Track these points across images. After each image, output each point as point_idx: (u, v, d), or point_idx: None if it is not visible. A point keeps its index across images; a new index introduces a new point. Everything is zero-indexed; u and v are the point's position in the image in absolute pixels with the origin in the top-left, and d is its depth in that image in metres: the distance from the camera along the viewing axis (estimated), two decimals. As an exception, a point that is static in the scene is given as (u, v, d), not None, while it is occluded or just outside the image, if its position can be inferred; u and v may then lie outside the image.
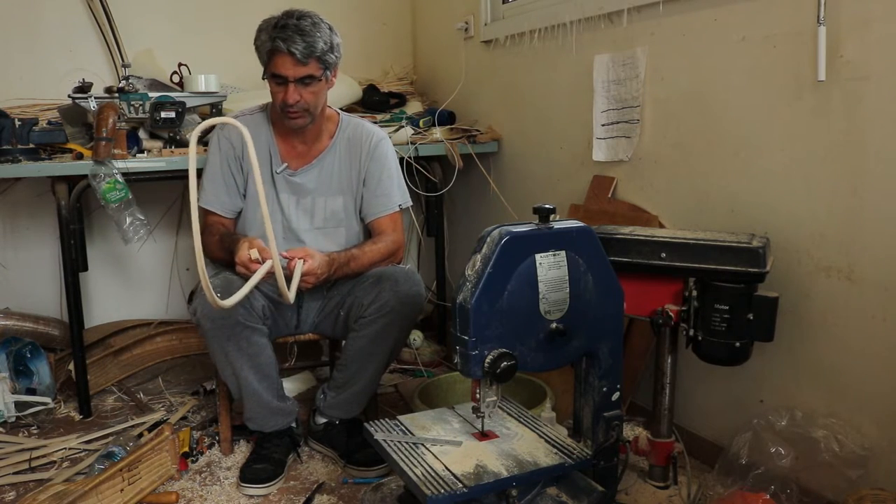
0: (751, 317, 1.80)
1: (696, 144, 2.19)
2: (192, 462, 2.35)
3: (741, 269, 1.78)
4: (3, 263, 3.18)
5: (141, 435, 2.51)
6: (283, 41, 2.11)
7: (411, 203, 2.44)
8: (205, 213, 2.33)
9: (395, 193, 2.37)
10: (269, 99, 2.28)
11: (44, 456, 2.40)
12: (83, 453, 2.44)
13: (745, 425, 1.90)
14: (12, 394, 2.71)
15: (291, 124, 2.23)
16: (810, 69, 1.82)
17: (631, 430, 2.28)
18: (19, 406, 2.71)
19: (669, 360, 1.97)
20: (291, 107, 2.17)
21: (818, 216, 1.86)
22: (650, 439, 2.02)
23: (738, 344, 1.82)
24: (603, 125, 2.52)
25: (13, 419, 2.68)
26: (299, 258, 2.07)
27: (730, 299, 1.80)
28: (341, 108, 3.09)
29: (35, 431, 2.64)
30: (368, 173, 2.34)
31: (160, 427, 2.15)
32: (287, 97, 2.16)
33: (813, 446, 1.80)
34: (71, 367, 2.79)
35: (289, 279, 1.99)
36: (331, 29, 2.19)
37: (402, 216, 2.41)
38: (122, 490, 1.99)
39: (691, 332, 1.87)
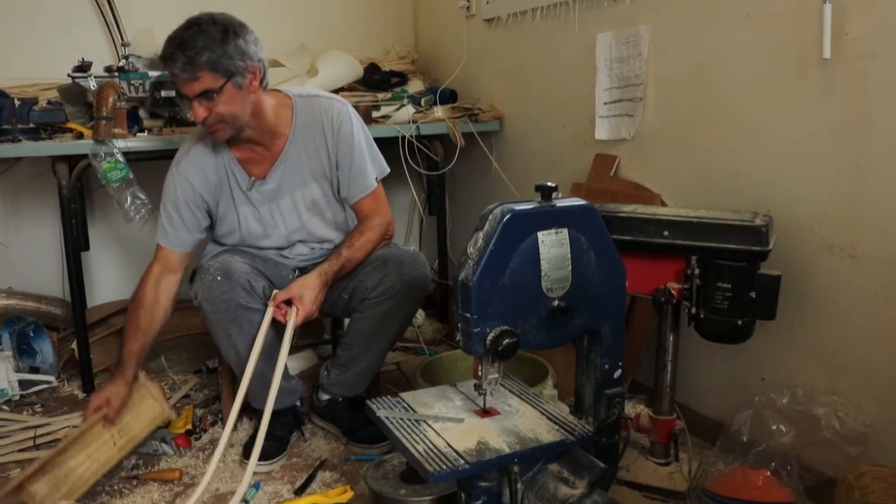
0: (753, 295, 1.80)
1: (700, 123, 2.18)
2: (196, 440, 2.37)
3: (744, 248, 1.78)
4: (4, 243, 3.18)
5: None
6: (164, 61, 2.01)
7: (388, 170, 2.34)
8: (158, 249, 2.24)
9: (370, 170, 2.25)
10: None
11: (48, 433, 2.42)
12: (87, 431, 2.45)
13: (747, 403, 1.91)
14: (16, 372, 2.72)
15: (214, 139, 2.12)
16: (815, 47, 1.81)
17: (632, 408, 2.29)
18: (23, 384, 2.73)
19: (671, 338, 1.97)
20: (204, 123, 2.06)
21: (821, 194, 1.86)
22: (651, 417, 2.03)
23: (739, 322, 1.82)
24: (605, 103, 2.51)
25: (17, 397, 2.70)
26: (284, 304, 2.06)
27: (732, 277, 1.80)
28: (342, 88, 3.09)
29: (39, 409, 2.65)
30: (339, 157, 2.22)
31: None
32: (195, 115, 2.04)
33: (814, 423, 1.80)
34: (74, 346, 2.80)
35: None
36: (227, 31, 2.01)
37: (383, 189, 2.30)
38: (115, 443, 2.03)
39: (693, 311, 1.87)
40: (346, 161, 2.22)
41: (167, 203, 2.21)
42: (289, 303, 2.07)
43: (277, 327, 2.12)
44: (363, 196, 2.26)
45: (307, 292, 2.06)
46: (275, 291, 2.12)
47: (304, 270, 2.32)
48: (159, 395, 2.14)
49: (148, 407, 2.12)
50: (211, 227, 2.32)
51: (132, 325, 2.16)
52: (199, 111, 2.02)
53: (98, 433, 2.04)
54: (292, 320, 2.04)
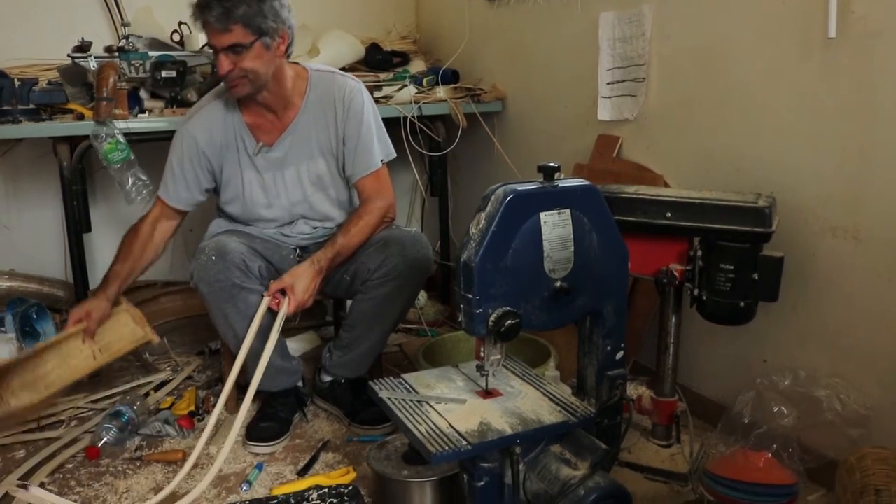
0: (756, 276, 1.79)
1: (703, 103, 2.17)
2: (199, 421, 2.37)
3: (746, 229, 1.77)
4: (6, 225, 3.18)
5: (147, 394, 2.53)
6: (199, 9, 2.03)
7: (395, 154, 2.35)
8: (157, 201, 2.30)
9: (377, 149, 2.27)
10: None
11: (52, 415, 2.43)
12: (90, 412, 2.46)
13: (749, 385, 1.91)
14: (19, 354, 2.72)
15: (233, 93, 2.14)
16: (821, 26, 1.79)
17: (634, 390, 2.28)
18: (26, 366, 2.72)
19: (673, 320, 1.97)
20: (227, 76, 2.09)
21: (825, 175, 1.85)
22: (653, 398, 2.03)
23: (742, 304, 1.82)
24: (608, 84, 2.49)
25: (20, 379, 2.70)
26: (279, 294, 2.08)
27: (735, 259, 1.79)
28: (343, 68, 3.07)
29: (42, 391, 2.66)
30: (347, 132, 2.24)
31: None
32: (220, 67, 2.07)
33: (815, 406, 1.80)
34: (77, 327, 2.80)
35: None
36: None
37: (387, 171, 2.31)
38: (94, 357, 2.08)
39: (696, 292, 1.87)
40: (353, 137, 2.23)
41: (172, 158, 2.26)
42: (284, 292, 2.07)
43: (274, 313, 2.12)
44: (366, 174, 2.25)
45: (299, 282, 2.07)
46: (270, 282, 2.13)
47: (305, 250, 2.32)
48: (141, 318, 2.17)
49: (130, 329, 2.14)
50: (216, 193, 2.33)
51: (123, 251, 2.23)
52: (224, 63, 2.06)
53: (77, 346, 2.07)
54: (283, 310, 2.05)
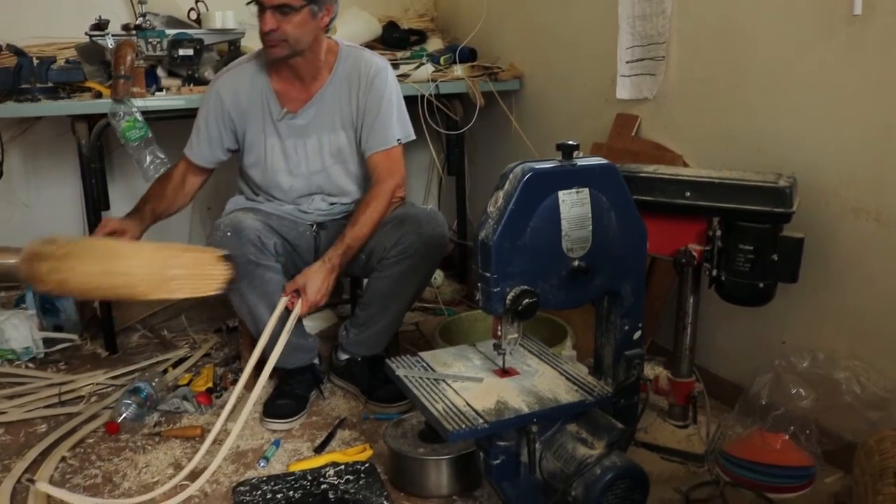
0: (775, 257, 1.77)
1: (724, 82, 2.14)
2: (217, 398, 2.39)
3: (767, 209, 1.75)
4: (26, 203, 3.20)
5: (166, 371, 2.56)
6: None
7: (413, 137, 2.35)
8: (182, 158, 2.35)
9: (394, 127, 2.27)
10: None
11: (73, 391, 2.45)
12: (110, 388, 2.48)
13: (766, 366, 1.90)
14: (40, 331, 2.75)
15: (269, 53, 2.15)
16: (846, 2, 1.76)
17: (651, 370, 2.29)
18: (47, 342, 2.76)
19: (691, 300, 1.96)
20: (267, 35, 2.10)
21: (848, 156, 1.82)
22: (670, 379, 2.02)
23: (761, 285, 1.80)
24: (627, 62, 2.46)
25: (42, 355, 2.73)
26: (294, 294, 2.09)
27: (754, 239, 1.78)
28: (361, 46, 3.06)
29: (63, 367, 2.69)
30: (367, 106, 2.25)
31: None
32: (263, 24, 2.09)
33: (834, 388, 1.79)
34: (96, 304, 2.83)
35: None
36: None
37: (401, 152, 2.31)
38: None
39: (714, 272, 1.86)
40: (372, 111, 2.25)
41: (199, 116, 2.31)
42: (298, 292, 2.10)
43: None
44: (379, 150, 2.26)
45: (311, 283, 2.08)
46: (285, 284, 2.15)
47: (321, 226, 2.33)
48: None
49: (212, 272, 2.05)
50: (239, 155, 2.35)
51: (156, 192, 2.31)
52: (269, 21, 2.08)
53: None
54: (295, 311, 2.07)
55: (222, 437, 2.07)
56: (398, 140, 2.28)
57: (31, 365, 2.69)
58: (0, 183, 3.00)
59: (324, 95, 2.26)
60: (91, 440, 2.16)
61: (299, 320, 2.16)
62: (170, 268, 1.87)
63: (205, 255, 1.95)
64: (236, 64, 2.34)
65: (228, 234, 2.10)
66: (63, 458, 2.05)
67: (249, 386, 2.39)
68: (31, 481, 1.81)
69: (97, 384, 2.51)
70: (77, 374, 2.60)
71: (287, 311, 2.10)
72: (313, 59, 2.22)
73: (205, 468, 1.87)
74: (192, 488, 1.84)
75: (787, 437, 1.78)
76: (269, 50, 2.14)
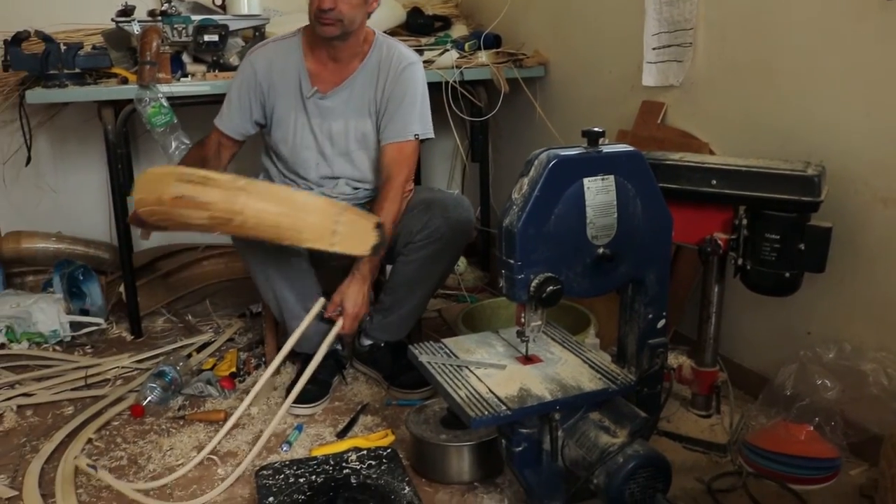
0: (802, 247, 1.75)
1: (752, 69, 2.11)
2: (240, 382, 2.41)
3: (794, 198, 1.73)
4: (54, 188, 3.24)
5: (190, 355, 2.58)
6: None
7: (432, 136, 2.33)
8: (213, 129, 2.36)
9: (414, 122, 2.26)
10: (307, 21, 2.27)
11: (98, 374, 2.48)
12: (135, 372, 2.51)
13: (792, 357, 1.88)
14: (67, 314, 2.79)
15: (322, 31, 2.16)
16: (878, -13, 1.73)
17: (675, 359, 2.27)
18: (74, 326, 2.79)
19: (716, 290, 1.94)
20: (325, 12, 2.11)
21: (879, 144, 1.79)
22: (694, 368, 2.01)
23: (787, 274, 1.78)
24: (654, 49, 2.44)
25: (69, 339, 2.77)
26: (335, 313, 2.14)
27: (781, 228, 1.76)
28: (384, 33, 3.05)
29: (89, 351, 2.72)
30: (391, 95, 2.26)
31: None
32: (321, 2, 2.10)
33: (861, 379, 1.77)
34: (121, 289, 2.86)
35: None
36: None
37: (417, 148, 2.29)
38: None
39: (740, 262, 1.84)
40: (395, 100, 2.26)
41: (231, 87, 2.33)
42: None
43: (320, 273, 2.19)
44: (393, 141, 2.26)
45: (348, 300, 2.13)
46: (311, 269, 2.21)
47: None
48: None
49: (367, 237, 2.06)
50: (265, 131, 2.37)
51: (195, 158, 2.34)
52: (327, 0, 2.10)
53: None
54: (337, 326, 2.13)
55: (244, 420, 2.10)
56: (416, 135, 2.27)
57: (58, 348, 2.73)
58: (28, 168, 3.05)
59: (354, 81, 2.27)
60: (116, 423, 2.19)
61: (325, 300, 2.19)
62: (336, 223, 1.91)
63: (363, 219, 1.98)
64: (272, 40, 2.37)
65: None
66: (89, 440, 2.08)
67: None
68: (94, 468, 1.83)
69: (122, 367, 2.54)
70: (103, 357, 2.63)
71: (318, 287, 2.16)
72: (354, 43, 2.24)
73: (228, 452, 1.88)
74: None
75: (811, 428, 1.76)
76: (324, 28, 2.16)
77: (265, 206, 1.87)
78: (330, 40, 2.19)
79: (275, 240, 1.93)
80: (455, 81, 2.88)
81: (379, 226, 1.95)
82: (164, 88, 2.55)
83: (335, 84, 2.27)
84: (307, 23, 2.28)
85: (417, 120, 2.27)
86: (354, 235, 1.94)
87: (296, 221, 1.90)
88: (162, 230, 2.05)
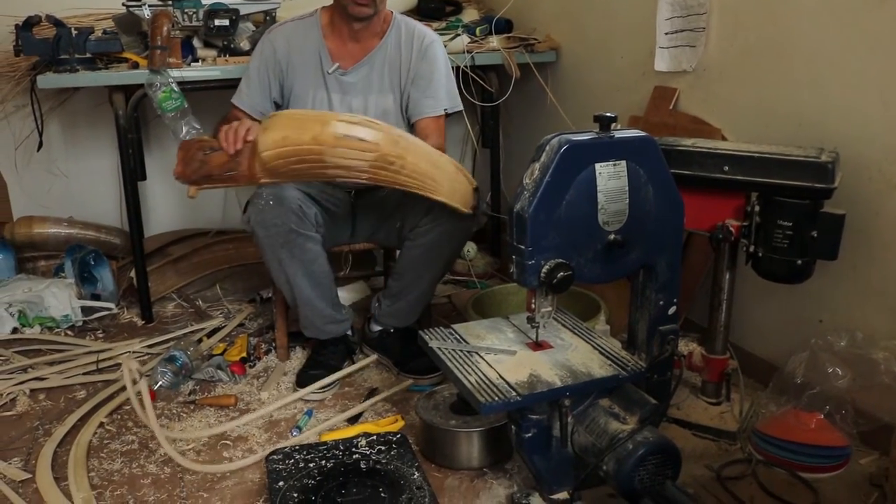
0: (815, 234, 1.74)
1: (765, 54, 2.09)
2: (250, 367, 2.42)
3: (807, 185, 1.71)
4: (65, 173, 3.25)
5: (200, 340, 2.59)
6: None
7: (461, 108, 2.40)
8: (232, 108, 2.36)
9: (443, 97, 2.34)
10: (321, 4, 2.28)
11: (110, 358, 2.50)
12: (146, 356, 2.53)
13: (802, 345, 1.87)
14: (79, 299, 2.80)
15: (358, 11, 2.21)
16: (894, -29, 1.71)
17: (685, 346, 2.27)
18: (85, 311, 2.81)
19: (727, 277, 1.93)
20: None
21: (894, 131, 1.77)
22: (704, 355, 2.00)
23: (799, 261, 1.77)
24: (666, 34, 2.42)
25: (80, 323, 2.79)
26: None
27: (794, 215, 1.74)
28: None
29: (101, 335, 2.74)
30: (419, 73, 2.31)
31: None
32: None
33: (872, 368, 1.76)
34: (132, 274, 2.87)
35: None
36: None
37: (445, 122, 2.37)
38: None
39: (752, 249, 1.82)
40: (424, 78, 2.32)
41: (250, 66, 2.36)
42: None
43: (331, 258, 2.14)
44: (428, 115, 2.32)
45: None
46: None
47: (359, 195, 2.34)
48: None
49: (465, 191, 2.19)
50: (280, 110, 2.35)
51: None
52: None
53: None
54: None
55: (255, 405, 2.11)
56: (445, 110, 2.34)
57: (69, 332, 2.74)
58: (40, 153, 3.06)
59: (375, 57, 2.32)
60: (128, 407, 2.20)
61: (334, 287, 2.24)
62: (460, 182, 2.09)
63: (467, 182, 2.13)
64: (290, 19, 2.39)
65: (271, 202, 2.11)
66: (101, 424, 2.10)
67: (282, 356, 2.45)
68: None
69: (134, 352, 2.55)
70: (114, 342, 2.65)
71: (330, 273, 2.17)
72: (376, 22, 2.29)
73: (239, 437, 1.88)
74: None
75: (822, 416, 1.76)
76: (359, 8, 2.20)
77: (418, 156, 1.98)
78: (361, 20, 2.24)
79: (414, 189, 2.00)
80: (466, 66, 2.87)
81: (476, 190, 2.14)
82: (175, 73, 2.53)
83: (356, 60, 2.31)
84: (320, 5, 2.30)
85: (446, 95, 2.35)
86: (464, 194, 2.10)
87: (439, 174, 2.02)
88: (278, 178, 1.97)
